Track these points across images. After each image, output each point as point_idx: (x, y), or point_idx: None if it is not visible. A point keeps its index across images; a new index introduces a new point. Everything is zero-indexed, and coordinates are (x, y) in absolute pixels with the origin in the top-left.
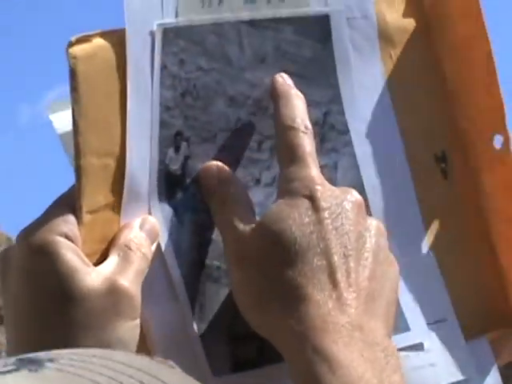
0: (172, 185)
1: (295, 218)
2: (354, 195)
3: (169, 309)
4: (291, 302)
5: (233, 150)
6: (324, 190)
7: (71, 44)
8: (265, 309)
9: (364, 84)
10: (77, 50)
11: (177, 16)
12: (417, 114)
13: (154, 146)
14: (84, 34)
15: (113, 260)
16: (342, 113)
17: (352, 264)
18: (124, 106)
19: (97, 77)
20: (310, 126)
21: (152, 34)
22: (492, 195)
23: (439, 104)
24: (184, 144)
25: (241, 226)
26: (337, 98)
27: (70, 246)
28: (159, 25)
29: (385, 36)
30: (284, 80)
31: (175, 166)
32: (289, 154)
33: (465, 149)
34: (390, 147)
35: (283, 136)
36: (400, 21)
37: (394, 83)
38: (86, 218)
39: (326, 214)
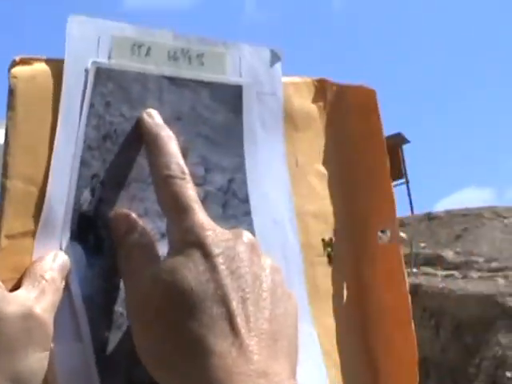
0: (84, 226)
1: (190, 268)
2: (246, 236)
3: (73, 349)
4: (194, 354)
5: (143, 201)
6: (215, 234)
7: (14, 63)
8: (167, 362)
9: (267, 160)
10: (18, 70)
11: (110, 58)
12: (311, 198)
13: (72, 183)
14: (28, 56)
15: (28, 288)
16: (245, 183)
17: (251, 307)
18: (53, 136)
19: (33, 101)
20: (185, 169)
21: (86, 71)
22: (371, 285)
23: (334, 192)
24: (99, 187)
25: (142, 278)
26: (242, 168)
27: None
28: (93, 63)
29: (289, 117)
30: (153, 120)
31: (89, 208)
32: (172, 204)
33: (350, 238)
34: (285, 224)
35: (162, 186)
36: (305, 107)
37: (294, 165)
38: (4, 242)
39: (220, 259)
